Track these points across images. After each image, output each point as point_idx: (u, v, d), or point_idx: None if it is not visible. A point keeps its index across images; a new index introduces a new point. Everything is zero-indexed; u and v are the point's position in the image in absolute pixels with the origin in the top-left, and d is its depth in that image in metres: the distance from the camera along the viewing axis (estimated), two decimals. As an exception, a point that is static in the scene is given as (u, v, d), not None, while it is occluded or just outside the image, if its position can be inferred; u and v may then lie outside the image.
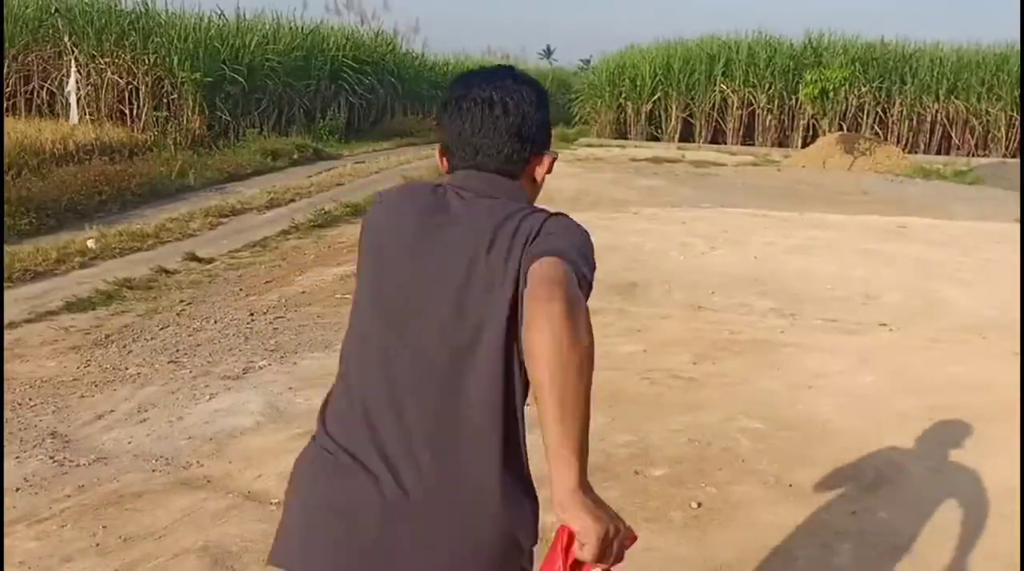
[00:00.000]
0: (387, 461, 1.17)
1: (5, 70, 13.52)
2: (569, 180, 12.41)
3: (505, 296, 1.13)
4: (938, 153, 19.62)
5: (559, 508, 1.01)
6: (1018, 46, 19.90)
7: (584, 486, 1.02)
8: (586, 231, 1.23)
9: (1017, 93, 19.41)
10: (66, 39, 13.55)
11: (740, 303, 5.43)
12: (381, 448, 1.19)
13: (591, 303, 1.13)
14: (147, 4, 14.97)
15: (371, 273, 1.27)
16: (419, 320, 1.19)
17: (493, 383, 1.15)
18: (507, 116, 1.26)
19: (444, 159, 1.37)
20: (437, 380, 1.17)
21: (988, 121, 19.78)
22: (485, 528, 1.18)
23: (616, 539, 1.03)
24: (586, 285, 1.11)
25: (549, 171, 1.32)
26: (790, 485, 2.95)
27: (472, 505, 1.17)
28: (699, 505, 2.78)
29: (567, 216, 1.25)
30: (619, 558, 1.04)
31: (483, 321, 1.15)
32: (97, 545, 2.48)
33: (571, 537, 1.03)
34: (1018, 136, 19.64)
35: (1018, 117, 19.57)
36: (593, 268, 1.16)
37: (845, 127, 19.43)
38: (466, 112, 1.29)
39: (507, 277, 1.14)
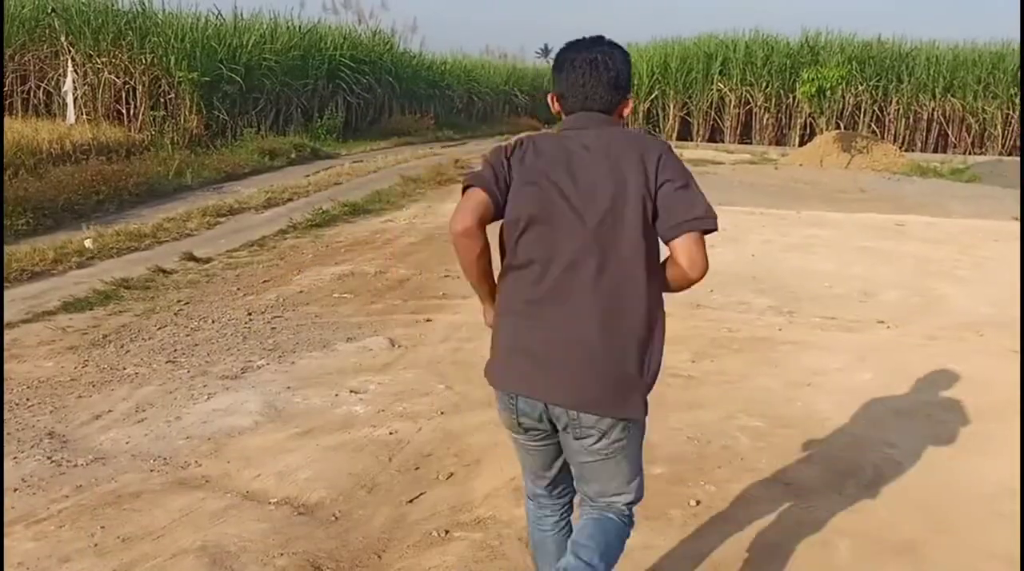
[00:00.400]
0: (556, 316, 1.68)
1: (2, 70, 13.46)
2: (567, 179, 12.41)
3: (641, 199, 1.66)
4: (935, 151, 19.67)
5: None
6: (1014, 45, 19.96)
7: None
8: (676, 155, 1.76)
9: (1013, 91, 19.45)
10: (63, 39, 13.52)
11: (738, 301, 5.44)
12: (553, 307, 1.68)
13: None
14: (144, 4, 14.96)
15: (534, 185, 1.71)
16: (575, 213, 1.68)
17: (637, 254, 1.68)
18: (608, 71, 1.75)
19: (557, 102, 1.84)
20: (594, 254, 1.66)
21: (984, 119, 19.83)
22: (630, 357, 1.71)
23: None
24: (711, 218, 1.68)
25: (630, 111, 1.84)
26: (789, 483, 2.95)
27: (627, 341, 1.71)
28: (698, 503, 2.78)
29: (663, 142, 1.78)
30: None
31: (630, 216, 1.66)
32: (95, 545, 2.47)
33: None
34: (1014, 134, 19.68)
35: (1014, 115, 19.61)
36: (702, 195, 1.70)
37: (842, 125, 19.46)
38: (577, 69, 1.76)
39: (641, 187, 1.66)
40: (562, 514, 1.96)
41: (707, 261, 1.68)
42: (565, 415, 1.69)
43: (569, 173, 1.69)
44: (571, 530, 1.89)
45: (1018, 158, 18.10)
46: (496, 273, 1.84)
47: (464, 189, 1.73)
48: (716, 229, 1.69)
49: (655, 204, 1.67)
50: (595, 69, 1.75)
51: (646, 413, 1.74)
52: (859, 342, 4.67)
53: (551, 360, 1.69)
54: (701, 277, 1.70)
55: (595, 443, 1.72)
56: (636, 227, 1.66)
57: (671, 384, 3.92)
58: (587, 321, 1.67)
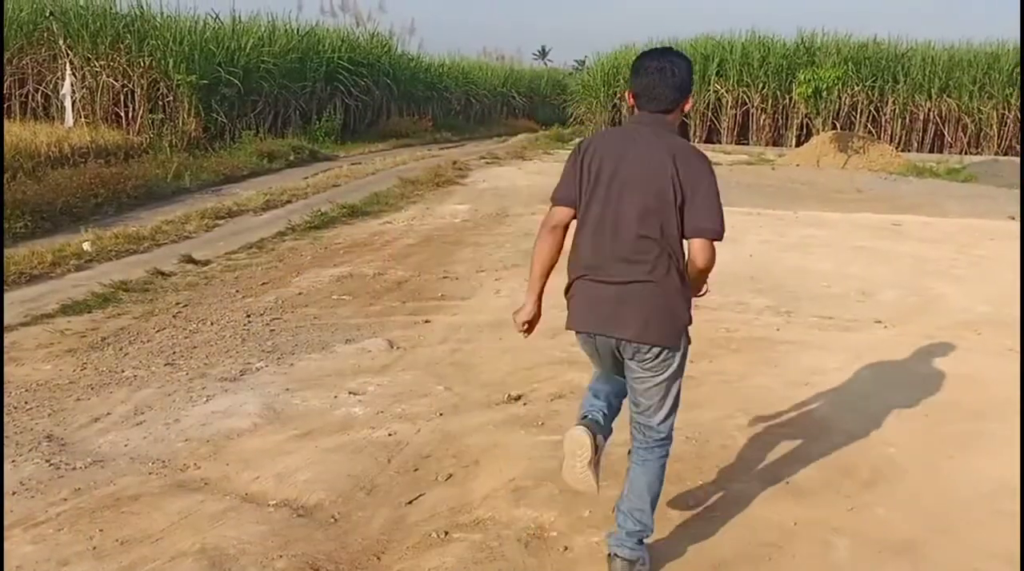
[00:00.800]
0: (615, 270, 2.24)
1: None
2: (565, 180, 12.42)
3: (672, 193, 2.16)
4: (931, 151, 19.70)
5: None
6: (1008, 45, 20.01)
7: (696, 289, 2.34)
8: (710, 164, 2.25)
9: (1008, 91, 19.50)
10: (61, 42, 13.52)
11: (736, 301, 5.44)
12: (610, 267, 2.25)
13: None
14: (142, 7, 14.98)
15: (595, 173, 2.25)
16: (627, 197, 2.20)
17: (671, 226, 2.18)
18: (673, 77, 2.22)
19: (633, 99, 2.29)
20: (637, 226, 2.19)
21: (980, 119, 19.87)
22: (669, 301, 2.25)
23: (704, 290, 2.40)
24: (720, 229, 2.19)
25: (691, 106, 2.38)
26: (787, 482, 2.95)
27: (668, 289, 2.23)
28: (697, 503, 2.78)
29: (700, 152, 2.26)
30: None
31: (666, 198, 2.16)
32: (94, 548, 2.47)
33: None
34: (1010, 134, 19.72)
35: (1010, 115, 19.65)
36: (719, 208, 2.19)
37: (839, 126, 19.49)
38: (650, 74, 2.23)
39: (673, 184, 2.16)
40: (608, 408, 2.49)
41: (712, 259, 2.22)
42: (630, 346, 2.27)
43: (623, 163, 2.23)
44: (621, 392, 2.48)
45: (1014, 158, 18.14)
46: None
47: (553, 200, 2.40)
48: (720, 240, 2.19)
49: (681, 205, 2.18)
50: (663, 75, 2.23)
51: (688, 342, 2.34)
52: (857, 342, 4.67)
53: (620, 310, 2.27)
54: (705, 270, 2.24)
55: (654, 362, 2.29)
56: (670, 209, 2.18)
57: (669, 384, 3.93)
58: (640, 286, 2.24)
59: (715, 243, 2.19)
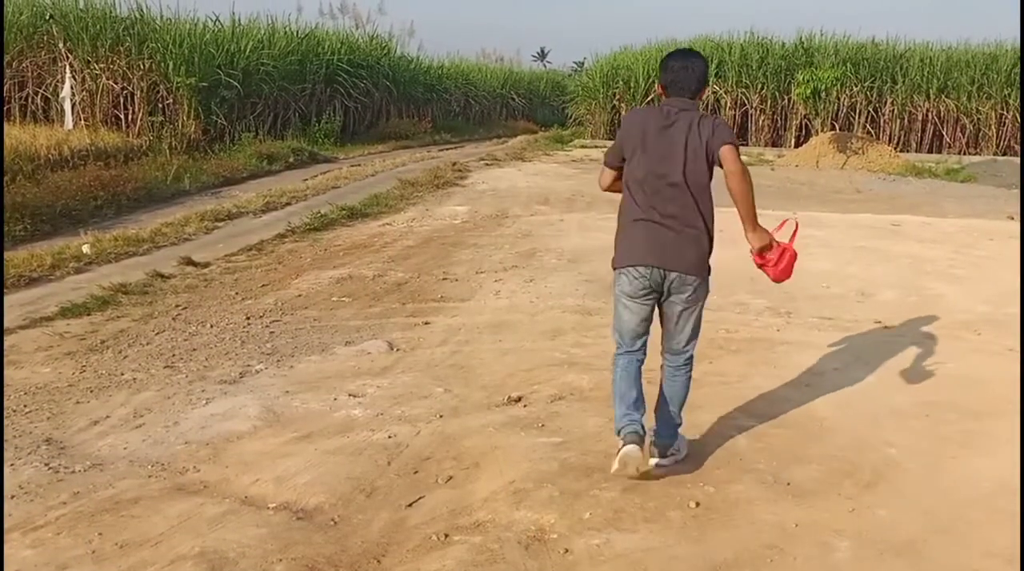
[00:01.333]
0: (664, 216, 2.84)
1: (-2, 76, 13.47)
2: (565, 181, 12.43)
3: (703, 149, 2.79)
4: (929, 151, 19.70)
5: (748, 237, 2.88)
6: (1006, 45, 20.03)
7: (753, 226, 2.86)
8: (727, 124, 2.93)
9: (1007, 91, 19.50)
10: (60, 45, 13.53)
11: (736, 302, 5.44)
12: (661, 212, 2.84)
13: (589, 302, 4.61)
14: (142, 10, 14.98)
15: (639, 142, 2.87)
16: (666, 159, 2.82)
17: (705, 179, 2.82)
18: (694, 73, 2.89)
19: (664, 90, 2.95)
20: (684, 182, 2.81)
21: (979, 119, 19.87)
22: (702, 239, 2.88)
23: (773, 245, 2.94)
24: (737, 144, 2.80)
25: (706, 94, 3.16)
26: (788, 483, 2.95)
27: (697, 230, 2.86)
28: (697, 504, 2.78)
29: (717, 116, 3.18)
30: (787, 252, 2.99)
31: (702, 162, 2.80)
32: (93, 552, 2.47)
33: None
34: (1008, 134, 19.73)
35: (1008, 115, 19.66)
36: (733, 135, 2.86)
37: (837, 126, 19.50)
38: (677, 71, 2.90)
39: (703, 142, 2.79)
40: (638, 364, 3.01)
41: (738, 160, 2.79)
42: (677, 276, 2.87)
43: (664, 135, 2.86)
44: (640, 374, 2.99)
45: (1012, 158, 18.15)
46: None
47: (605, 164, 3.09)
48: (736, 145, 2.82)
49: (708, 148, 2.81)
50: (686, 71, 2.90)
51: (708, 275, 2.96)
52: (857, 342, 4.67)
53: (667, 247, 2.86)
54: (736, 173, 2.77)
55: (688, 294, 2.90)
56: (704, 168, 2.83)
57: (669, 386, 3.93)
58: (681, 223, 2.86)
59: (731, 149, 2.79)
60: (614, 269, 2.97)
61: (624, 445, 2.77)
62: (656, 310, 2.98)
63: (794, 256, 2.99)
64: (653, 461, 2.96)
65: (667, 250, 2.84)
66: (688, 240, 2.86)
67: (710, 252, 2.93)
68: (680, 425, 3.07)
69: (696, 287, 2.91)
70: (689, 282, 2.88)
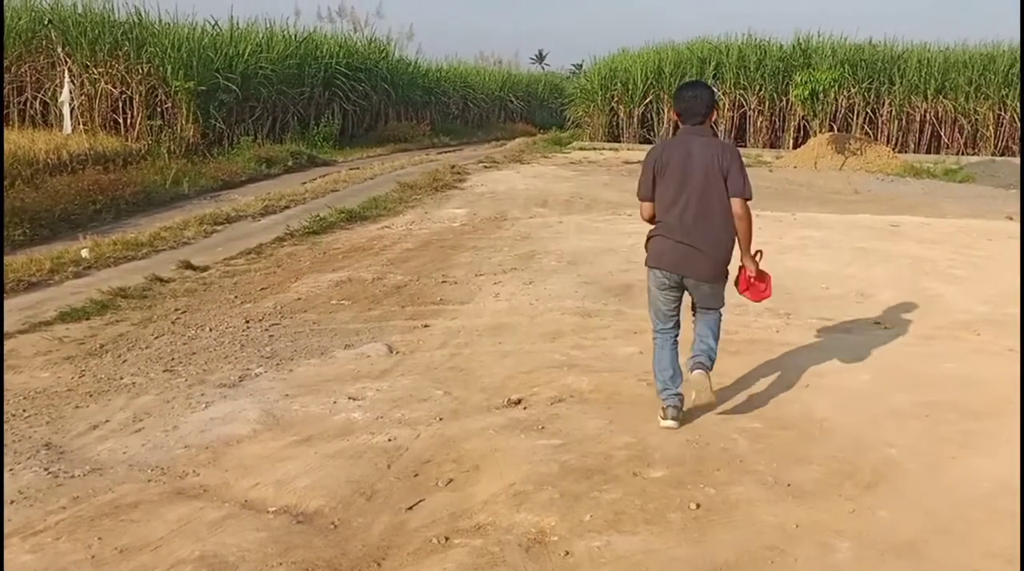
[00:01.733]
0: (684, 234, 3.32)
1: (-4, 81, 13.47)
2: (563, 183, 12.44)
3: (719, 174, 3.31)
4: (928, 152, 19.72)
5: (745, 261, 3.47)
6: (1003, 46, 20.06)
7: (748, 256, 3.45)
8: (739, 153, 3.46)
9: (1004, 92, 19.53)
10: (59, 50, 13.54)
11: (735, 303, 5.41)
12: (681, 230, 3.32)
13: (588, 304, 5.16)
14: (140, 14, 15.00)
15: (663, 172, 3.37)
16: (691, 182, 3.31)
17: (722, 197, 3.32)
18: (702, 101, 3.40)
19: (679, 116, 3.48)
20: (699, 202, 3.30)
21: (976, 120, 19.89)
22: (722, 248, 3.37)
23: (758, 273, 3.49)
24: (750, 193, 3.39)
25: (715, 118, 4.70)
26: (788, 484, 2.94)
27: (717, 241, 3.35)
28: (698, 506, 2.77)
29: (731, 146, 3.54)
30: (769, 279, 3.54)
31: (719, 181, 3.30)
32: (93, 557, 2.46)
33: (743, 270, 3.48)
34: (1006, 134, 19.75)
35: (1006, 115, 19.68)
36: (747, 179, 3.38)
37: (835, 127, 19.51)
38: (688, 100, 3.41)
39: (719, 168, 3.31)
40: (674, 340, 3.56)
41: (746, 211, 3.39)
42: (697, 279, 3.45)
43: (684, 161, 3.37)
44: (676, 351, 3.55)
45: (1010, 158, 18.17)
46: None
47: (640, 198, 3.55)
48: (751, 198, 3.40)
49: (725, 177, 3.35)
50: (696, 100, 3.45)
51: (727, 277, 3.48)
52: (856, 343, 4.67)
53: (689, 257, 3.39)
54: (743, 217, 3.38)
55: (707, 288, 3.49)
56: (721, 187, 3.35)
57: (669, 387, 3.92)
58: (703, 237, 3.37)
59: (741, 202, 3.36)
60: (646, 266, 3.54)
61: (666, 413, 3.43)
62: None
63: (770, 281, 3.59)
64: (691, 373, 3.47)
65: (686, 261, 3.40)
66: (703, 254, 3.38)
67: (727, 261, 3.45)
68: (714, 355, 3.52)
69: (711, 286, 3.48)
70: (704, 285, 3.47)
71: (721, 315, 3.57)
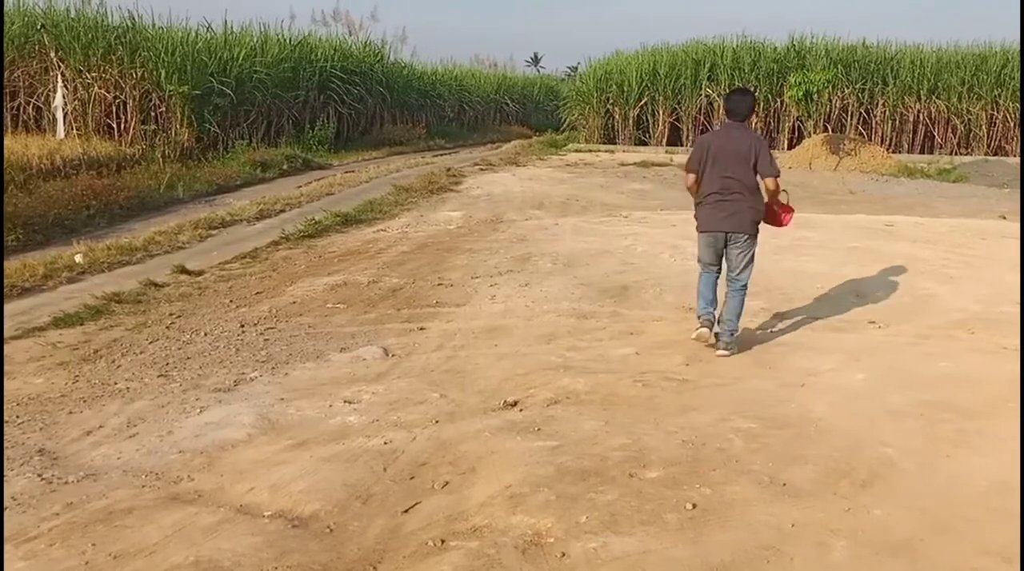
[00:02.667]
0: (727, 199, 4.39)
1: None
2: (559, 186, 12.44)
3: (752, 158, 4.36)
4: (921, 152, 19.79)
5: (774, 205, 4.60)
6: (995, 47, 20.16)
7: (776, 200, 4.58)
8: (767, 143, 4.63)
9: (996, 92, 19.61)
10: (52, 54, 13.49)
11: (731, 304, 5.44)
12: (721, 197, 4.40)
13: (584, 306, 5.34)
14: (134, 18, 14.96)
15: (710, 153, 4.41)
16: (730, 165, 4.37)
17: (749, 176, 4.38)
18: (746, 104, 4.54)
19: (727, 113, 4.58)
20: (738, 178, 4.35)
21: (969, 120, 19.97)
22: (753, 210, 4.41)
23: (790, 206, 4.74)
24: (777, 171, 4.49)
25: (752, 116, 4.91)
26: (784, 484, 2.95)
27: (749, 206, 4.40)
28: (694, 506, 2.77)
29: (761, 137, 4.76)
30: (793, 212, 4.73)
31: (749, 164, 4.36)
32: (87, 563, 2.45)
33: (774, 208, 4.61)
34: (999, 134, 19.83)
35: (998, 115, 19.77)
36: (773, 161, 4.48)
37: (830, 128, 19.58)
38: (735, 102, 4.55)
39: (751, 153, 4.37)
40: (716, 276, 4.56)
41: (776, 184, 4.42)
42: (733, 234, 4.40)
43: (725, 147, 4.37)
44: (716, 283, 4.55)
45: (1003, 157, 18.24)
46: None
47: (686, 170, 4.53)
48: (778, 176, 4.43)
49: (756, 160, 4.34)
50: (740, 102, 4.50)
51: (756, 233, 4.45)
52: (851, 342, 4.68)
53: (728, 218, 4.38)
54: (774, 190, 4.43)
55: (743, 243, 4.42)
56: (750, 169, 4.35)
57: (665, 388, 3.93)
58: (738, 203, 4.36)
59: (773, 180, 4.41)
60: (697, 231, 4.55)
61: (699, 327, 4.45)
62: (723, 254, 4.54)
63: (794, 213, 4.68)
64: (717, 353, 4.41)
65: (725, 220, 4.40)
66: (738, 213, 4.38)
67: (757, 221, 4.44)
68: (736, 331, 4.48)
69: (745, 240, 4.43)
70: (740, 237, 4.42)
71: (746, 291, 4.51)
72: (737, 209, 4.35)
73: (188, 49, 14.58)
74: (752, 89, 5.45)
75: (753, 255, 4.46)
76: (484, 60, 33.01)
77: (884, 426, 3.49)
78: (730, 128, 4.50)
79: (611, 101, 21.42)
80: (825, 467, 3.09)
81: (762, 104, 20.43)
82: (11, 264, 6.21)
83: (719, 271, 4.55)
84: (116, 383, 3.97)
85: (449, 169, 13.81)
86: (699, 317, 4.50)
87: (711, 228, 4.44)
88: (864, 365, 4.28)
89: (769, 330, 4.94)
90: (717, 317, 4.48)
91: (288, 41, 18.11)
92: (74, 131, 12.86)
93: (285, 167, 13.86)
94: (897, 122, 20.39)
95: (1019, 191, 11.64)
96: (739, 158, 4.32)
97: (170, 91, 13.86)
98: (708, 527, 2.66)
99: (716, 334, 4.42)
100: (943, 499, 2.87)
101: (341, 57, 19.51)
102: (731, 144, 4.36)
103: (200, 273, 6.37)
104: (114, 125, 13.97)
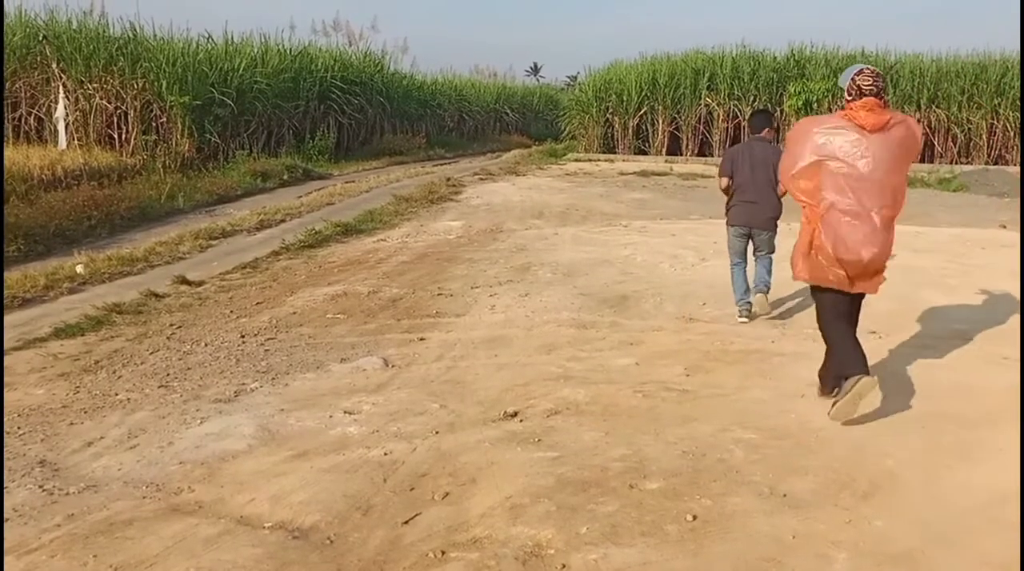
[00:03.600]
0: (751, 199, 5.38)
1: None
2: (558, 195, 12.47)
3: (771, 166, 5.13)
4: (921, 161, 19.79)
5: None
6: (995, 56, 20.23)
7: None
8: (782, 152, 4.16)
9: (996, 101, 19.67)
10: (54, 65, 13.56)
11: (731, 314, 5.45)
12: (749, 197, 5.38)
13: (584, 316, 5.46)
14: (135, 29, 15.03)
15: (738, 164, 5.42)
16: (754, 171, 5.35)
17: (771, 179, 5.21)
18: (764, 122, 5.71)
19: (750, 128, 5.78)
20: (759, 181, 5.32)
21: (969, 129, 20.02)
22: (773, 209, 5.38)
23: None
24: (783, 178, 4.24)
25: (772, 132, 5.71)
26: (785, 495, 2.94)
27: (770, 205, 5.35)
28: (694, 518, 2.77)
29: (778, 146, 5.34)
30: None
31: (768, 169, 5.22)
32: (87, 574, 2.45)
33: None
34: (999, 143, 19.88)
35: (999, 124, 19.82)
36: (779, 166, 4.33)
37: (830, 137, 19.56)
38: (754, 120, 5.84)
39: (771, 162, 5.18)
40: (744, 269, 5.44)
41: (783, 186, 4.28)
42: (758, 228, 5.40)
43: (749, 157, 5.38)
44: (746, 274, 5.44)
45: (1004, 167, 18.28)
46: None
47: (720, 175, 5.52)
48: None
49: (775, 167, 4.81)
50: (759, 121, 5.71)
51: (775, 227, 5.42)
52: (852, 352, 4.67)
53: (753, 215, 5.38)
54: (785, 188, 4.23)
55: (765, 235, 5.43)
56: (770, 173, 5.17)
57: (665, 398, 3.93)
58: (761, 203, 5.33)
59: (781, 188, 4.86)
60: (727, 225, 5.51)
61: (740, 316, 5.34)
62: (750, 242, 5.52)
63: None
64: (755, 295, 5.39)
65: (752, 217, 5.37)
66: (761, 211, 5.33)
67: (777, 217, 5.37)
68: (770, 285, 5.43)
69: (767, 232, 5.41)
70: (763, 231, 5.40)
71: (772, 259, 5.44)
72: (758, 209, 5.34)
73: (189, 60, 14.65)
74: (765, 108, 6.41)
75: (773, 239, 5.46)
76: (484, 70, 33.17)
77: (884, 436, 3.48)
78: (752, 141, 5.54)
79: (610, 110, 21.47)
80: (825, 478, 3.08)
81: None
82: (12, 275, 6.22)
83: (746, 261, 5.50)
84: (117, 394, 3.98)
85: (449, 179, 13.85)
86: (738, 304, 5.39)
87: (740, 222, 5.42)
88: (864, 375, 4.27)
89: (770, 341, 4.94)
90: (753, 291, 5.46)
91: (288, 51, 18.19)
92: (75, 142, 12.90)
93: (285, 177, 13.90)
94: (896, 131, 20.42)
95: (1019, 200, 11.66)
96: (760, 165, 5.27)
97: (171, 102, 13.92)
98: (709, 538, 2.66)
99: (754, 288, 5.42)
100: (944, 510, 2.87)
101: (341, 67, 19.59)
102: (753, 154, 5.35)
103: (201, 283, 6.38)
104: (115, 136, 14.02)
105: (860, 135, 3.46)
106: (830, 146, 3.51)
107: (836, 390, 3.57)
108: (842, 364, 3.54)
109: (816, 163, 3.54)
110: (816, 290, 3.72)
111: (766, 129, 5.54)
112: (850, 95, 3.53)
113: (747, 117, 7.31)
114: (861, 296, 3.76)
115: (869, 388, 3.40)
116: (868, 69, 3.57)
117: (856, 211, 3.53)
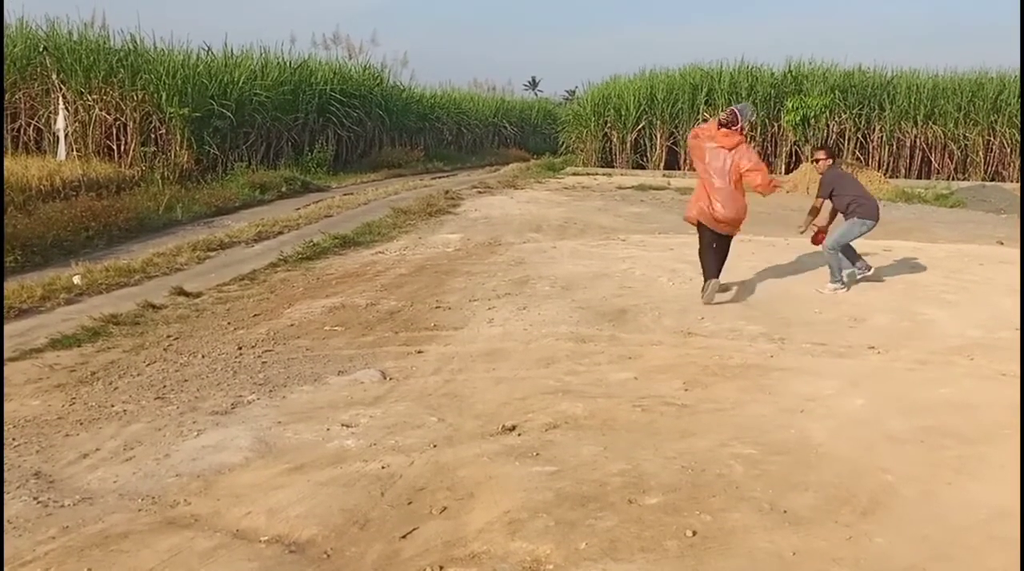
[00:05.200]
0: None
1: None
2: (557, 209, 12.50)
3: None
4: (918, 177, 19.92)
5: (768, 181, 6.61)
6: (991, 72, 20.38)
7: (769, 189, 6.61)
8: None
9: (993, 118, 19.80)
10: (54, 77, 13.60)
11: (729, 328, 5.45)
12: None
13: (582, 330, 5.37)
14: (136, 41, 15.10)
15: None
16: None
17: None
18: (823, 151, 7.21)
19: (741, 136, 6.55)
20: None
21: (966, 145, 20.13)
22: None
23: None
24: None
25: (747, 130, 7.31)
26: (785, 511, 2.93)
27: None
28: (694, 533, 2.75)
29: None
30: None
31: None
32: (81, 588, 2.42)
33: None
34: (995, 159, 20.00)
35: (995, 141, 19.94)
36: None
37: (827, 153, 19.66)
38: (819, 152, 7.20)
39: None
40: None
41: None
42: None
43: (716, 158, 6.20)
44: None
45: (1000, 183, 18.38)
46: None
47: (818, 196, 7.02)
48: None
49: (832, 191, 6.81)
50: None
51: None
52: (850, 368, 4.68)
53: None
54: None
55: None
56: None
57: (664, 413, 3.92)
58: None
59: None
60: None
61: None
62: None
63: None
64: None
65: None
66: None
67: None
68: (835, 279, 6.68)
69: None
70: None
71: (832, 256, 6.67)
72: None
73: (189, 72, 14.71)
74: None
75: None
76: (483, 84, 33.36)
77: (884, 452, 3.47)
78: (835, 167, 7.04)
79: (609, 125, 21.58)
80: (826, 494, 3.07)
81: (759, 129, 20.62)
82: (9, 285, 6.21)
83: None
84: (113, 405, 3.95)
85: (447, 192, 13.87)
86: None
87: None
88: (864, 390, 4.27)
89: (768, 355, 4.94)
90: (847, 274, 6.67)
91: (288, 64, 18.28)
92: (74, 153, 12.92)
93: (284, 189, 13.92)
94: (894, 147, 20.55)
95: (1017, 217, 11.71)
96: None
97: (170, 113, 13.96)
98: (708, 554, 2.64)
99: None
100: (944, 526, 2.86)
101: (341, 80, 19.68)
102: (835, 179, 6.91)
103: (198, 295, 6.36)
104: (114, 147, 14.04)
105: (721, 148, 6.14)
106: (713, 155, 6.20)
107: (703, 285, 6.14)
108: (706, 271, 6.20)
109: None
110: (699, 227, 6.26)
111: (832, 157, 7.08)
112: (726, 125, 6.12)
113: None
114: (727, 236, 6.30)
115: (716, 286, 6.11)
116: (731, 108, 6.22)
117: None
